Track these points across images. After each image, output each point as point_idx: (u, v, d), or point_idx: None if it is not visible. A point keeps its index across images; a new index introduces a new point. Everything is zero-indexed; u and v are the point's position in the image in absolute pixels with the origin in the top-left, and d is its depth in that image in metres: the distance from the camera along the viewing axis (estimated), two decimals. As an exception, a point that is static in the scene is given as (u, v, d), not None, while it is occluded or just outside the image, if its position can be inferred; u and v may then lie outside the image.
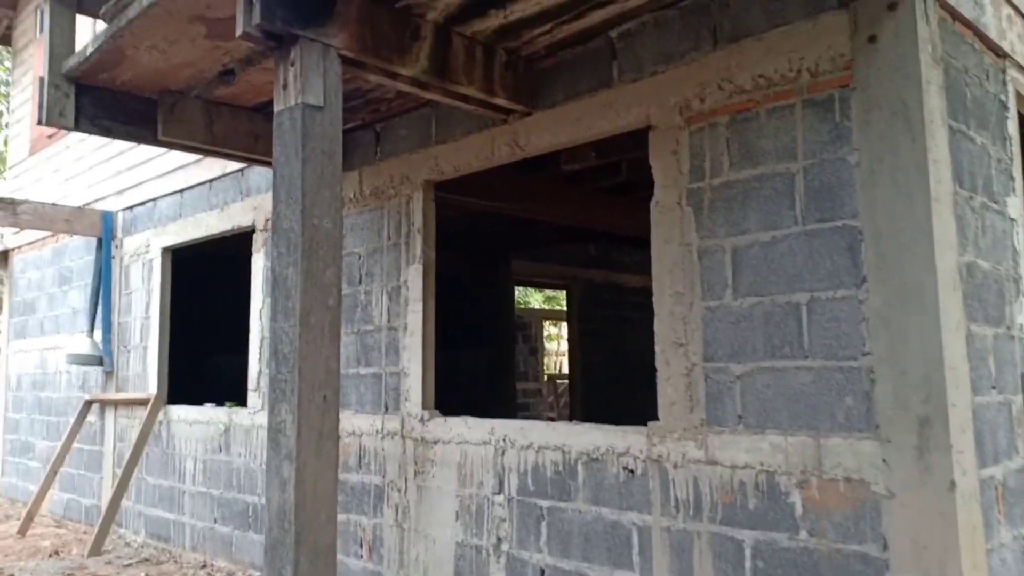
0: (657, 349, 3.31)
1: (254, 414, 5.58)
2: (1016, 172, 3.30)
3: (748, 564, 2.95)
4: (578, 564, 3.51)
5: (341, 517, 4.73)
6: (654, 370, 3.30)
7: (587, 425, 3.57)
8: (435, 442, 4.22)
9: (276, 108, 3.03)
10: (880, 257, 2.70)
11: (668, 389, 3.25)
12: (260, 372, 5.59)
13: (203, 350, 8.31)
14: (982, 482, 2.67)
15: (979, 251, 2.88)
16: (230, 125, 4.64)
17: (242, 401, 5.80)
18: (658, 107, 3.38)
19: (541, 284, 14.24)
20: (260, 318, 5.64)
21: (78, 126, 4.19)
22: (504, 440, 3.88)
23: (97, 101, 4.27)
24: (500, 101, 3.77)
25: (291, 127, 2.98)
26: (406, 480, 4.36)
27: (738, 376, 3.05)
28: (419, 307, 4.38)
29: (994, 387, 2.86)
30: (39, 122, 4.11)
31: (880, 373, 2.67)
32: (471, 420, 4.07)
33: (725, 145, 3.16)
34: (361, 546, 4.59)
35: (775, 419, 2.94)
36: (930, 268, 2.58)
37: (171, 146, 4.52)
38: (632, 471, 3.35)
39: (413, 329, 4.40)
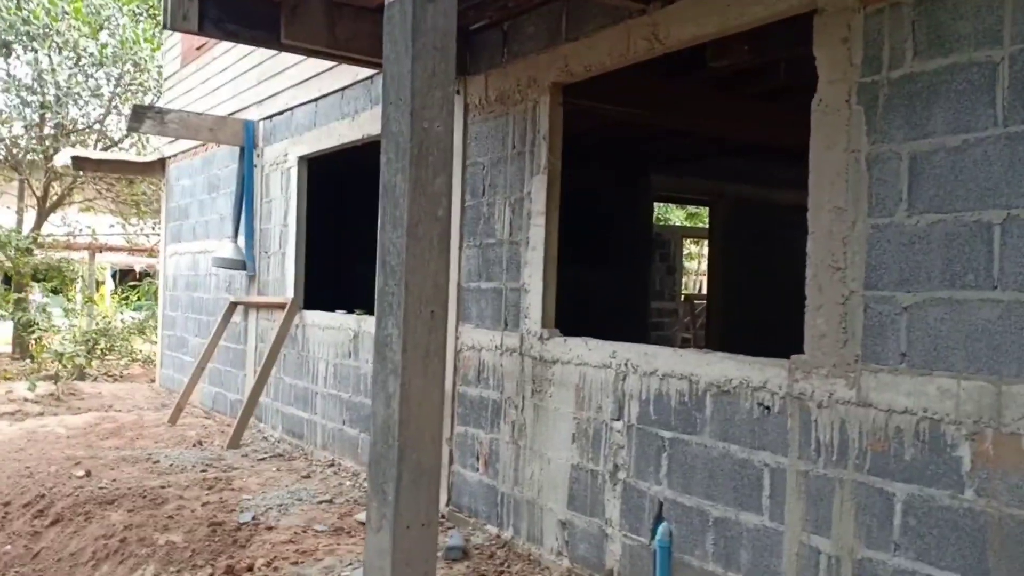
0: (808, 273, 2.89)
1: (379, 323, 5.59)
2: None
3: (897, 520, 2.57)
4: (700, 501, 3.23)
5: (459, 429, 4.69)
6: (803, 297, 2.89)
7: (719, 354, 3.22)
8: (554, 362, 4.01)
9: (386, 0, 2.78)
10: (1110, 166, 2.14)
11: (819, 320, 2.84)
12: (385, 282, 5.57)
13: (342, 259, 8.50)
14: None
15: None
16: (353, 27, 4.46)
17: (373, 310, 5.84)
18: (827, -14, 2.85)
19: (683, 200, 13.59)
20: (386, 227, 5.58)
21: (202, 30, 4.14)
22: (626, 364, 3.61)
23: (221, 3, 4.19)
24: (638, -14, 3.34)
25: (401, 20, 2.73)
26: (523, 398, 4.20)
27: (905, 307, 2.60)
28: (542, 220, 4.12)
29: None
30: (164, 26, 4.09)
31: (1095, 311, 2.16)
32: (592, 341, 3.82)
33: (910, 29, 2.61)
34: (478, 459, 4.53)
35: (948, 359, 2.48)
36: None
37: (294, 50, 4.41)
38: (768, 407, 2.99)
39: (535, 244, 4.15)
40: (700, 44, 3.67)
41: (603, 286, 8.75)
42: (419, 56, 2.71)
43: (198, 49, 9.16)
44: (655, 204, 11.12)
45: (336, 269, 8.30)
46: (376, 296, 2.82)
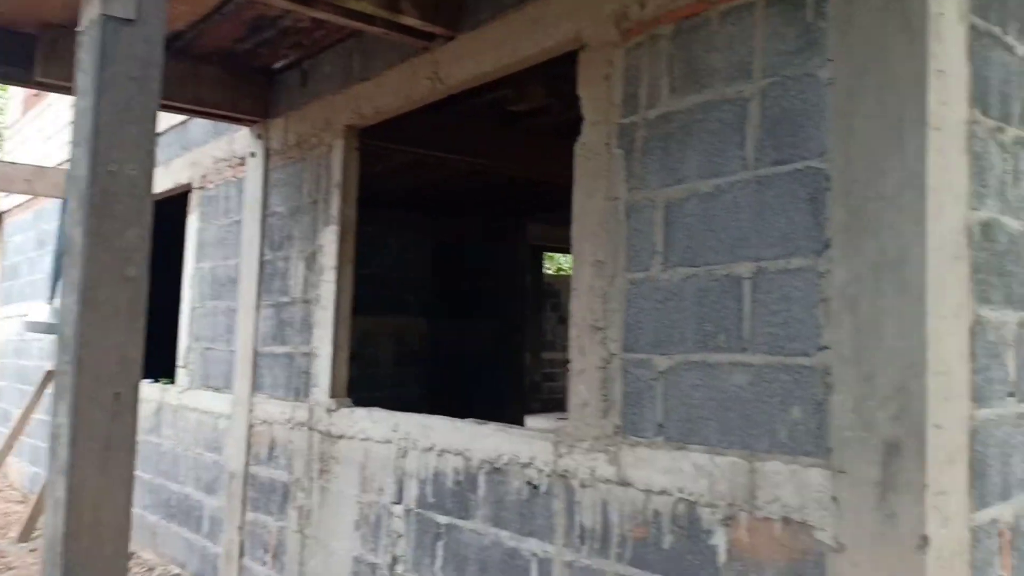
0: (572, 334, 2.57)
1: (182, 393, 5.01)
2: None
3: (663, 624, 2.20)
4: (472, 599, 2.81)
5: (250, 516, 4.13)
6: (568, 360, 2.56)
7: (492, 426, 2.85)
8: (340, 437, 3.56)
9: (79, 25, 2.39)
10: (852, 213, 1.90)
11: (580, 386, 2.51)
12: (189, 347, 5.02)
13: (160, 321, 7.83)
14: (977, 529, 1.86)
15: (1006, 205, 2.05)
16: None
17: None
18: (591, 19, 2.61)
19: (562, 249, 13.47)
20: (191, 286, 5.07)
21: (-55, 63, 3.65)
22: (407, 439, 3.19)
23: (-32, 38, 3.71)
24: (409, 21, 3.05)
25: (90, 46, 2.33)
26: (311, 479, 3.71)
27: (662, 372, 2.29)
28: (333, 276, 3.71)
29: (1012, 394, 2.03)
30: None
31: (838, 376, 1.88)
32: (377, 413, 3.39)
33: (667, 64, 2.38)
34: (266, 551, 3.97)
35: (701, 431, 2.17)
36: (918, 228, 1.77)
37: (50, 88, 3.93)
38: (536, 487, 2.62)
39: (326, 302, 3.74)
40: (493, 85, 3.41)
41: (476, 340, 8.38)
42: (107, 87, 2.28)
43: (35, 95, 8.52)
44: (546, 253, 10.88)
45: (158, 333, 7.63)
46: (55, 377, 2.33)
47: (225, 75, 4.28)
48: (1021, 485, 2.06)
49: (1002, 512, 1.97)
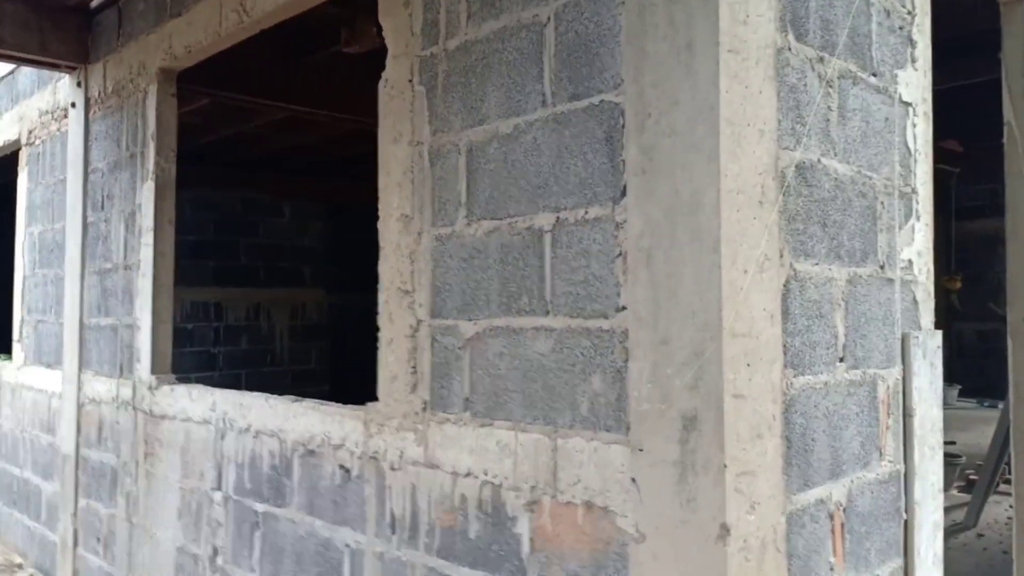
0: (380, 299, 2.27)
1: (19, 370, 4.55)
2: (920, 31, 2.20)
3: (471, 620, 1.97)
4: (288, 594, 2.54)
5: (83, 503, 3.76)
6: (379, 327, 2.26)
7: (306, 403, 2.54)
8: (162, 417, 3.20)
9: None
10: (645, 152, 1.63)
11: (390, 357, 2.22)
12: (23, 319, 4.54)
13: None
14: (798, 513, 1.66)
15: (831, 146, 1.82)
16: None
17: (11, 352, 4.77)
18: (393, -62, 2.26)
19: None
20: (23, 253, 4.57)
21: None
22: (224, 419, 2.86)
23: None
24: (201, -59, 2.64)
25: None
26: (137, 463, 3.36)
27: (468, 339, 2.02)
28: (151, 239, 3.31)
29: (843, 359, 1.83)
30: None
31: (635, 340, 1.63)
32: (196, 390, 3.05)
33: (467, -13, 2.06)
34: (99, 541, 3.62)
35: (507, 406, 1.91)
36: (712, 167, 1.52)
37: None
38: (348, 471, 2.34)
39: (145, 269, 3.34)
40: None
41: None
42: None
43: None
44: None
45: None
46: None
47: (30, 13, 3.76)
48: (857, 460, 1.87)
49: (832, 492, 1.78)
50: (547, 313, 1.83)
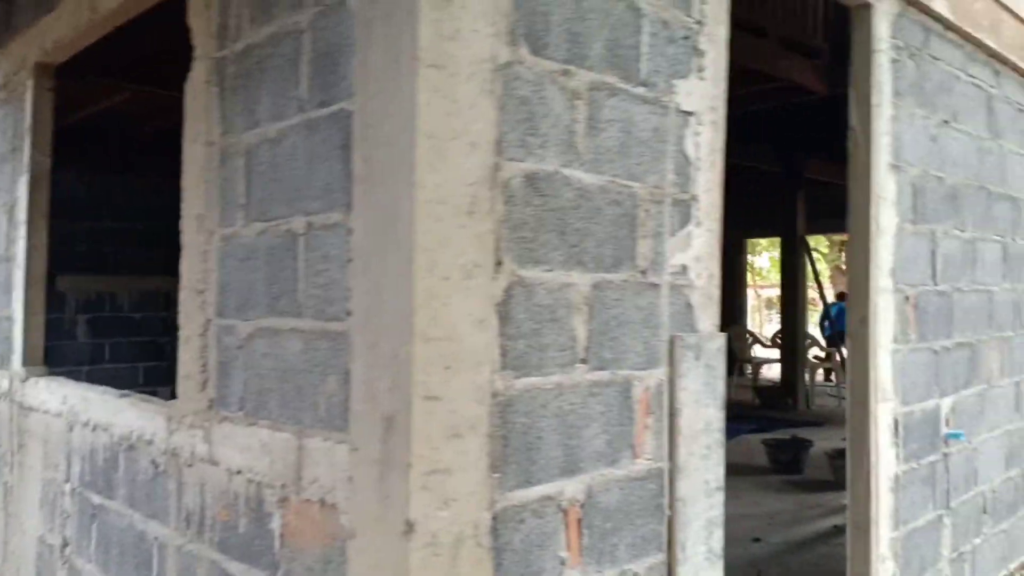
0: (180, 297, 2.33)
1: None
2: (711, 40, 2.24)
3: (238, 612, 2.04)
4: (111, 584, 2.62)
5: (-29, 493, 3.84)
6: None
7: (130, 399, 2.62)
8: (30, 409, 3.28)
9: None
10: (366, 161, 1.69)
11: (185, 355, 2.29)
12: (-70, 311, 4.62)
13: None
14: (515, 509, 1.73)
15: (576, 157, 1.87)
16: None
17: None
18: (202, -55, 2.31)
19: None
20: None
21: None
22: (72, 412, 2.94)
23: None
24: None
25: None
26: (12, 454, 3.44)
27: (244, 339, 2.08)
28: (24, 231, 3.38)
29: (584, 360, 1.89)
30: None
31: (355, 343, 1.70)
32: (55, 383, 3.12)
33: (253, -9, 2.11)
34: (-18, 530, 3.71)
35: (268, 405, 1.98)
36: (409, 178, 1.57)
37: None
38: (157, 466, 2.41)
39: (20, 261, 3.41)
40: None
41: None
42: None
43: None
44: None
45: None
46: None
47: (-78, 9, 3.81)
48: (602, 458, 1.93)
49: (565, 488, 1.84)
50: (300, 315, 1.89)
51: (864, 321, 2.96)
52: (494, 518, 1.68)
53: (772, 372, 12.26)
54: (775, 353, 12.24)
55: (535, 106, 1.78)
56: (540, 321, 1.79)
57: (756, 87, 6.23)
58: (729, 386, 11.75)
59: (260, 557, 1.96)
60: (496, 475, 1.69)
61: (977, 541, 3.75)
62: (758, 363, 11.94)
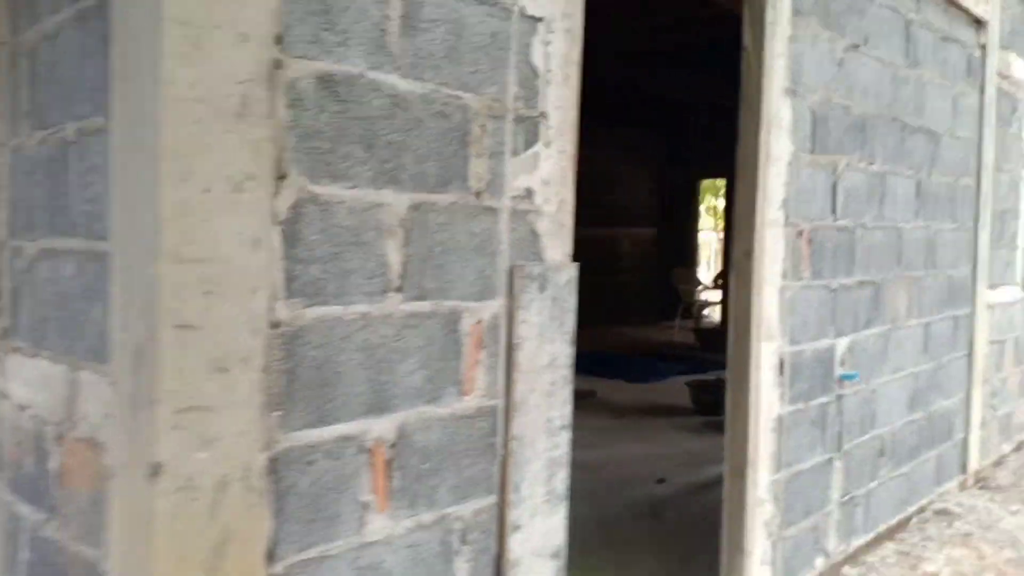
0: (-23, 215, 2.10)
1: None
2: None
3: (25, 555, 1.88)
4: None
5: None
6: None
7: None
8: None
9: None
10: (122, 57, 1.45)
11: (-19, 278, 2.07)
12: None
13: None
14: (302, 449, 1.57)
15: (386, 59, 1.65)
16: None
17: None
18: None
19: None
20: None
21: None
22: None
23: None
24: None
25: None
26: None
27: (30, 261, 1.87)
28: None
29: (398, 289, 1.72)
30: None
31: (113, 263, 1.50)
32: None
33: None
34: None
35: (49, 335, 1.78)
36: (155, 75, 1.36)
37: None
38: (-36, 400, 2.21)
39: None
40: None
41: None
42: None
43: None
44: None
45: None
46: None
47: None
48: (419, 395, 1.78)
49: (370, 427, 1.68)
50: (73, 234, 1.68)
51: (748, 255, 2.83)
52: (273, 460, 1.53)
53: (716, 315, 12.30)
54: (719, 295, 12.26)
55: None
56: (341, 244, 1.61)
57: (703, 11, 5.97)
58: (674, 328, 11.78)
59: (42, 498, 1.79)
60: (277, 413, 1.53)
61: (873, 485, 3.74)
62: (701, 305, 11.95)
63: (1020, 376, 5.65)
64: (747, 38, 2.82)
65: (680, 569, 3.31)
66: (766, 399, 2.91)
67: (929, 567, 3.58)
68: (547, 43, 2.00)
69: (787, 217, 2.99)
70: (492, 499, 1.96)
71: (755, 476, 2.87)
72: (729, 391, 2.89)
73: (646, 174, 13.08)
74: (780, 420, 3.01)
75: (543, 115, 2.01)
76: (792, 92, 2.95)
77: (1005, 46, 5.07)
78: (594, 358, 8.16)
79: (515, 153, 1.95)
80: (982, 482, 4.87)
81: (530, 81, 1.98)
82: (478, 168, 1.86)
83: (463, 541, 1.91)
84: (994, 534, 4.07)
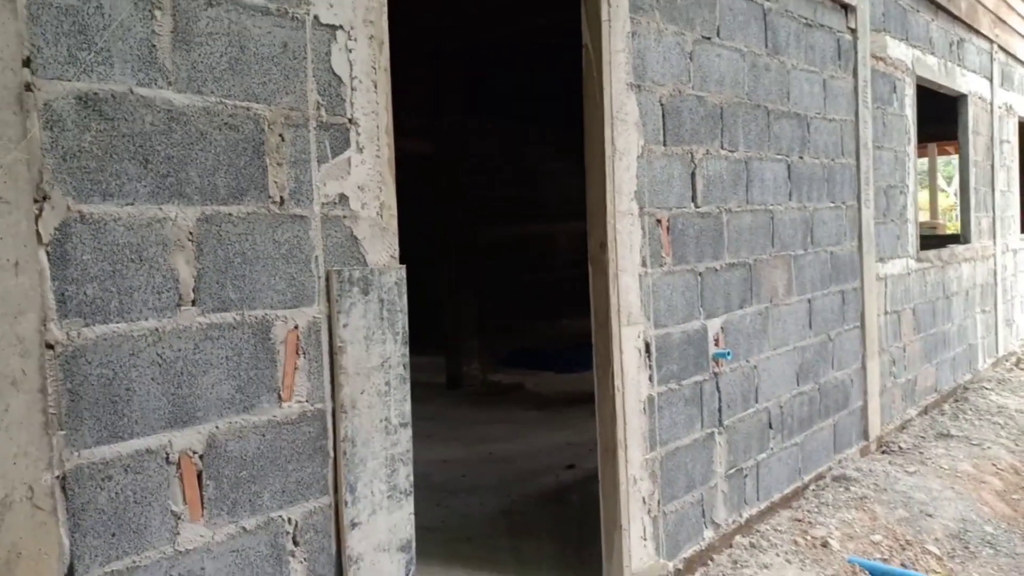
0: None
1: None
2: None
3: None
4: None
5: None
6: None
7: None
8: None
9: None
10: None
11: None
12: None
13: None
14: (97, 466, 1.58)
15: (158, 75, 1.67)
16: None
17: None
18: None
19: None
20: None
21: None
22: None
23: None
24: None
25: None
26: None
27: None
28: None
29: (194, 303, 1.74)
30: None
31: None
32: None
33: None
34: None
35: None
36: None
37: None
38: None
39: None
40: None
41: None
42: None
43: None
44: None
45: None
46: None
47: None
48: (230, 405, 1.80)
49: (173, 440, 1.70)
50: None
51: (603, 246, 2.91)
52: (63, 478, 1.54)
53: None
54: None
55: (87, 17, 1.58)
56: (120, 261, 1.63)
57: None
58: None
59: None
60: (62, 432, 1.54)
61: (762, 456, 3.85)
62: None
63: (921, 343, 5.85)
64: (586, 35, 2.90)
65: (577, 550, 3.37)
66: (633, 381, 2.99)
67: (820, 531, 3.70)
68: (350, 50, 2.05)
69: (642, 207, 3.07)
70: (327, 500, 1.99)
71: (627, 455, 2.94)
72: (596, 376, 2.96)
73: (579, 170, 13.25)
74: (651, 400, 3.09)
75: (352, 121, 2.05)
76: (637, 87, 3.05)
77: (879, 28, 5.27)
78: (525, 352, 8.25)
79: (323, 160, 1.99)
80: (885, 447, 5.03)
81: (334, 88, 2.02)
82: (279, 177, 1.90)
83: (296, 542, 1.94)
84: (889, 496, 4.21)
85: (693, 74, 3.39)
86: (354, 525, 2.04)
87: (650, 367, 3.10)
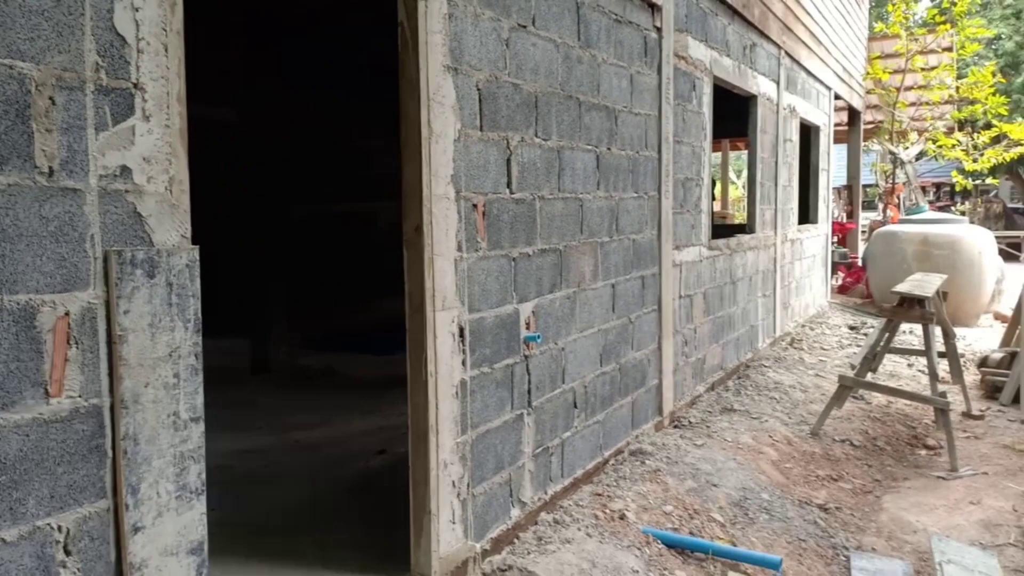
0: None
1: None
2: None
3: None
4: None
5: None
6: None
7: None
8: None
9: None
10: None
11: None
12: None
13: None
14: None
15: None
16: None
17: None
18: None
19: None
20: None
21: None
22: None
23: None
24: None
25: None
26: None
27: None
28: None
29: None
30: None
31: None
32: None
33: None
34: None
35: None
36: None
37: None
38: None
39: None
40: None
41: None
42: None
43: None
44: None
45: None
46: None
47: None
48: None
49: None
50: None
51: (419, 230, 2.88)
52: None
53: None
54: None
55: None
56: None
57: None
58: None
59: None
60: None
61: (567, 434, 4.02)
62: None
63: (710, 325, 6.38)
64: (401, 13, 2.84)
65: (385, 536, 3.34)
66: (446, 366, 2.99)
67: (617, 504, 3.93)
68: (136, 9, 1.85)
69: (458, 192, 3.07)
70: (104, 504, 1.82)
71: (438, 440, 2.95)
72: (408, 361, 2.94)
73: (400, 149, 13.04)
74: (464, 384, 3.12)
75: (137, 86, 1.86)
76: (454, 70, 3.03)
77: (682, 29, 5.61)
78: (339, 334, 8.04)
79: (102, 128, 1.79)
80: (677, 421, 5.45)
81: (116, 49, 1.82)
82: (47, 145, 1.68)
83: (68, 552, 1.75)
84: (679, 468, 4.56)
85: (509, 61, 3.42)
86: (137, 529, 1.87)
87: (464, 351, 3.12)
